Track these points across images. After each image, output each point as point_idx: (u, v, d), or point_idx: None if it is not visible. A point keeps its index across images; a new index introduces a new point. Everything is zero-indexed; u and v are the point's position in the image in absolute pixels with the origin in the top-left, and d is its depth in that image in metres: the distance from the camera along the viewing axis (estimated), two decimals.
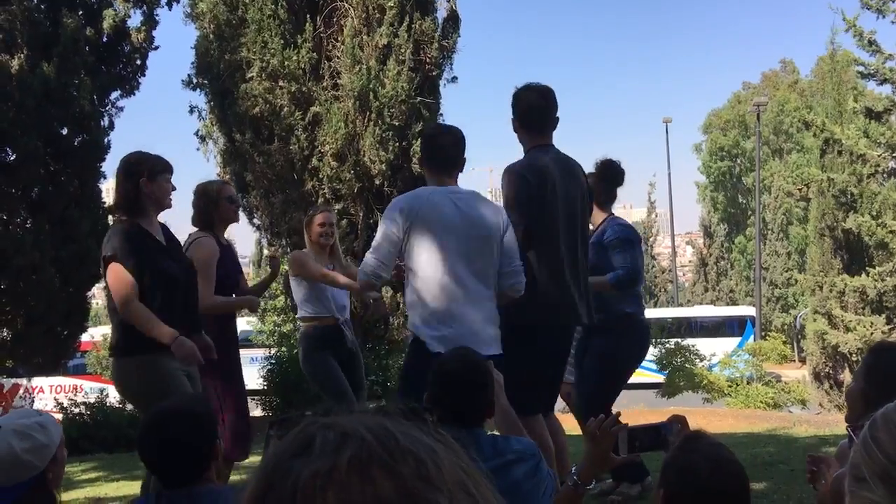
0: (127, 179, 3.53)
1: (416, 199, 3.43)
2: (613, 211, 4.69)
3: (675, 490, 1.83)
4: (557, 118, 3.90)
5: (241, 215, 12.38)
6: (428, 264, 3.35)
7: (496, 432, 2.90)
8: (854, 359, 18.73)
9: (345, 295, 5.11)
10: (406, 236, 3.35)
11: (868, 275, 18.38)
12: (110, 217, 11.92)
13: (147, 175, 3.52)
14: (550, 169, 3.67)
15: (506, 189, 3.68)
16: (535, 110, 3.82)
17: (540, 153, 3.75)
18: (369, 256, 3.41)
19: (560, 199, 3.66)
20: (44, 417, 2.35)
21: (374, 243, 3.43)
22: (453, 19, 13.17)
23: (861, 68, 18.08)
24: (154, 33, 12.37)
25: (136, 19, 12.25)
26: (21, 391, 18.32)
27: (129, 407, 12.54)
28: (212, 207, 4.42)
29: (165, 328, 3.42)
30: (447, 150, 3.57)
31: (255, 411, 13.30)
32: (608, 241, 4.42)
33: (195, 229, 4.45)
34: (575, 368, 4.71)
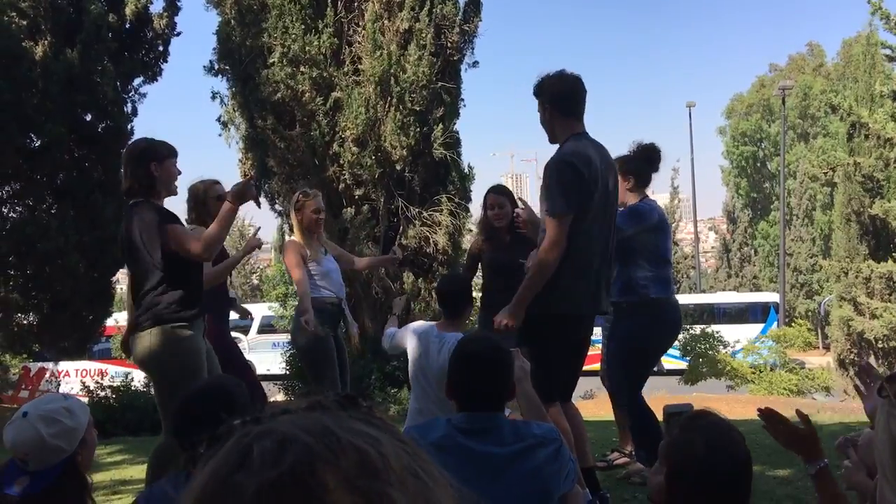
0: (139, 165, 3.71)
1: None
2: None
3: (675, 469, 1.84)
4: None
5: (263, 201, 12.43)
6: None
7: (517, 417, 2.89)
8: (880, 345, 18.51)
9: (339, 273, 5.27)
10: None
11: (895, 261, 18.12)
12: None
13: (156, 159, 3.72)
14: (594, 159, 3.63)
15: (555, 177, 3.58)
16: (573, 96, 3.76)
17: (582, 141, 3.70)
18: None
19: (600, 189, 3.63)
20: (70, 401, 2.36)
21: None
22: (475, 3, 13.08)
23: (888, 51, 17.75)
24: (176, 19, 12.42)
25: (158, 5, 12.34)
26: (47, 375, 18.61)
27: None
28: (200, 206, 4.73)
29: (223, 206, 3.75)
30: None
31: (278, 395, 13.41)
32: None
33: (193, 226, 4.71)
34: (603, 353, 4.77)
